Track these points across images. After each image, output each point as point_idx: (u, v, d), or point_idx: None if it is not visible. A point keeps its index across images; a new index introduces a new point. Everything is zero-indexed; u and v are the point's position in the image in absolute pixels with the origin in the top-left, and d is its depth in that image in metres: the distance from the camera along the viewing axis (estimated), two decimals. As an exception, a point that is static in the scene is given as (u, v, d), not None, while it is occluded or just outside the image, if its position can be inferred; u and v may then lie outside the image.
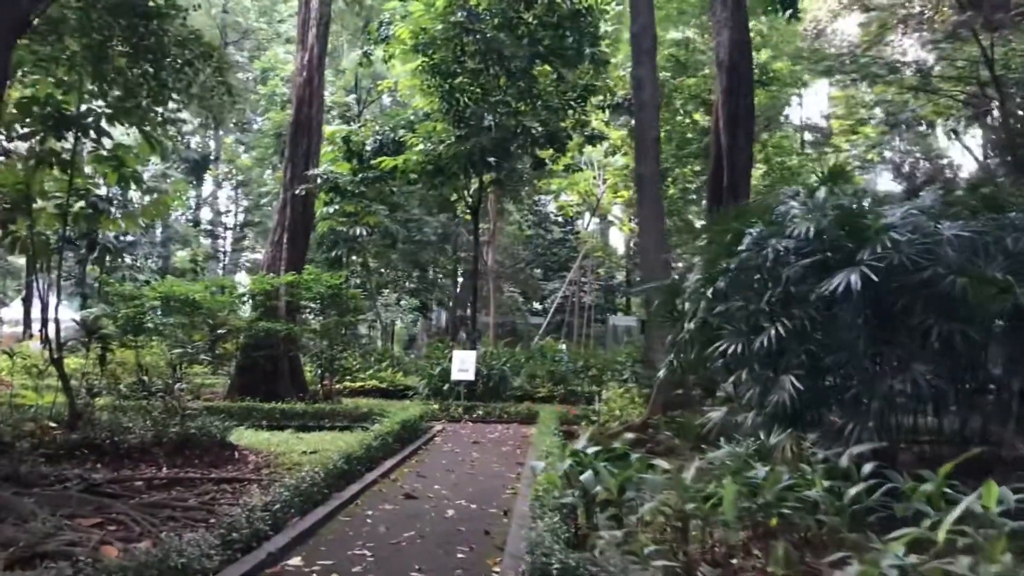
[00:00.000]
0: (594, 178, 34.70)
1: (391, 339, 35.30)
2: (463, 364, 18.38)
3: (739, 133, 16.57)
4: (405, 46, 19.77)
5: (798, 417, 7.68)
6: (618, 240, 44.08)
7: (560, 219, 43.08)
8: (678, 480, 6.08)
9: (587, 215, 40.90)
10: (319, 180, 20.69)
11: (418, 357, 28.42)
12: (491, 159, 20.12)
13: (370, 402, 17.89)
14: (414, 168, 20.53)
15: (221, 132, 48.33)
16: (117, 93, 10.09)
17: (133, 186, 11.10)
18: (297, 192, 18.99)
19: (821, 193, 8.59)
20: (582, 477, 6.56)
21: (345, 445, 10.40)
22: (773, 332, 7.68)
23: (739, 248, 8.67)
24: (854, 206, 8.32)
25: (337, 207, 24.14)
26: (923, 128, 31.45)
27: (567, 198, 38.88)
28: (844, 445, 6.86)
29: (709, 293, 9.02)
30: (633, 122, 23.94)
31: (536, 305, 43.25)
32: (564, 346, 27.86)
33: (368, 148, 23.22)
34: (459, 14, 18.69)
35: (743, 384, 8.41)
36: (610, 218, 41.19)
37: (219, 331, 17.20)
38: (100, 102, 10.14)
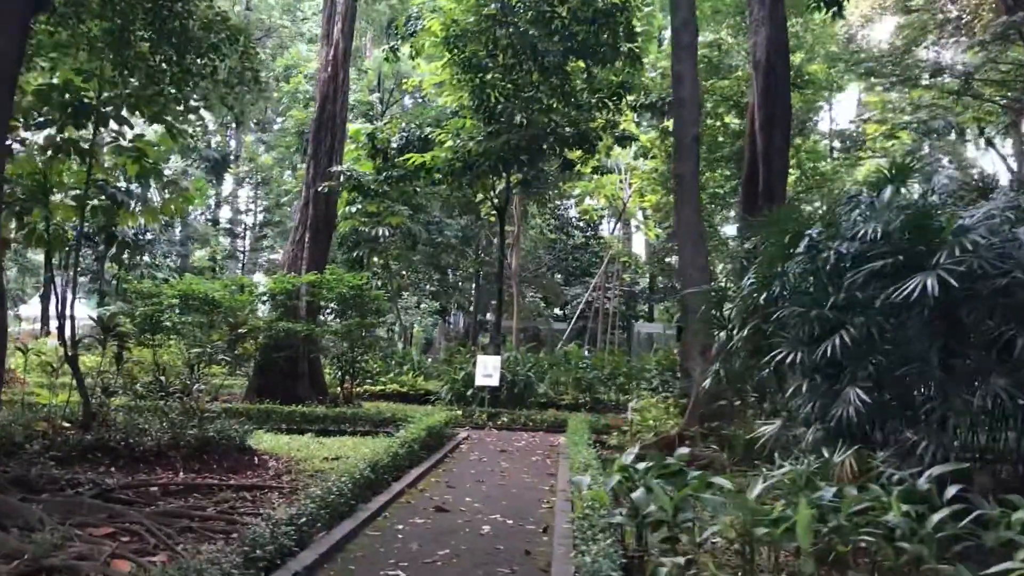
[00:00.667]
0: (620, 182, 34.12)
1: (410, 342, 34.89)
2: (487, 369, 17.91)
3: (775, 134, 15.93)
4: (435, 38, 19.30)
5: (864, 433, 7.11)
6: (640, 246, 43.37)
7: (582, 224, 42.50)
8: (744, 501, 5.55)
9: (611, 220, 40.31)
10: (342, 177, 20.27)
11: (436, 361, 27.96)
12: (522, 157, 19.60)
13: (392, 406, 17.50)
14: (442, 165, 20.03)
15: (242, 131, 48.14)
16: (138, 82, 9.67)
17: (153, 181, 10.74)
18: (320, 190, 18.58)
19: (887, 192, 7.97)
20: (634, 495, 6.06)
21: (369, 452, 9.94)
22: (838, 341, 7.10)
23: (796, 251, 8.11)
24: (920, 206, 7.73)
25: (359, 207, 23.75)
26: (952, 137, 30.61)
27: (592, 202, 38.27)
28: (916, 464, 6.30)
29: (762, 299, 8.47)
30: (667, 122, 23.50)
31: (557, 311, 42.71)
32: (587, 352, 27.32)
33: (394, 145, 22.77)
34: (492, 6, 18.19)
35: (800, 396, 7.82)
36: (634, 223, 40.54)
37: (238, 331, 16.78)
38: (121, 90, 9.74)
